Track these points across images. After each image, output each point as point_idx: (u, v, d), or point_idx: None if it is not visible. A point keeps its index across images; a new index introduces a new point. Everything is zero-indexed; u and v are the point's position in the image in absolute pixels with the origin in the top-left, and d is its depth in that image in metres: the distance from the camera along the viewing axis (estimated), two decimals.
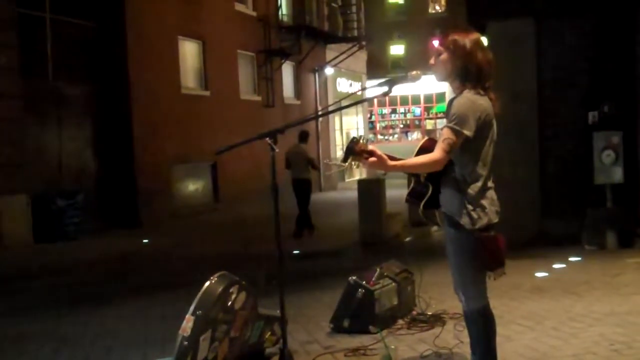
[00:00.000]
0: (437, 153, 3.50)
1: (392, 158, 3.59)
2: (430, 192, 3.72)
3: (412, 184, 3.85)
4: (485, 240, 3.55)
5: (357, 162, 3.54)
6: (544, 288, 7.01)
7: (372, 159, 3.51)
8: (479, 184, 3.58)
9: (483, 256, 3.57)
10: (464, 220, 3.56)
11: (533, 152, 9.81)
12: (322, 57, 26.60)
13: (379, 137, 36.86)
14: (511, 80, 9.20)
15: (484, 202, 3.59)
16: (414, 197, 3.83)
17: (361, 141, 3.52)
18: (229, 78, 20.51)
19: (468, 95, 3.57)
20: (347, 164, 3.54)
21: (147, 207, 16.13)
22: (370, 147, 3.54)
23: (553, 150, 9.84)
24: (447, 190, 3.65)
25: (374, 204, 11.51)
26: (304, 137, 13.10)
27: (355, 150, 3.50)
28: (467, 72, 3.59)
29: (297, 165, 12.76)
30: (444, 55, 3.64)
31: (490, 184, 3.64)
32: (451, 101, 3.65)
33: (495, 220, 3.62)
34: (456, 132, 3.48)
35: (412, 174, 3.85)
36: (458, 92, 3.63)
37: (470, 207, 3.56)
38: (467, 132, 3.48)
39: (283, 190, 4.52)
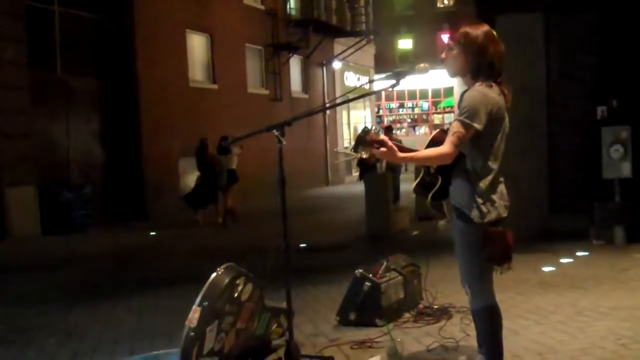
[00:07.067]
0: (446, 147, 3.47)
1: (402, 149, 3.58)
2: (439, 183, 3.71)
3: (421, 175, 3.84)
4: (493, 234, 3.53)
5: (367, 152, 3.52)
6: (551, 282, 7.00)
7: (383, 149, 3.50)
8: (490, 177, 3.55)
9: (491, 250, 3.55)
10: (474, 214, 3.54)
11: (541, 146, 9.78)
12: (330, 51, 26.57)
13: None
14: (519, 74, 9.12)
15: (494, 196, 3.57)
16: (422, 187, 3.81)
17: (372, 131, 3.50)
18: (236, 71, 20.52)
19: (480, 88, 3.53)
20: (357, 153, 3.53)
21: (154, 200, 16.17)
22: (381, 137, 3.53)
23: (561, 144, 9.80)
24: (457, 183, 3.63)
25: (381, 197, 11.50)
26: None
27: (366, 140, 3.49)
28: (478, 65, 3.55)
29: None
30: (455, 50, 3.59)
31: (500, 178, 3.62)
32: (463, 94, 3.62)
33: (505, 214, 3.59)
34: (466, 126, 3.46)
35: (422, 165, 3.84)
36: (470, 85, 3.60)
37: (480, 200, 3.54)
38: (478, 126, 3.46)
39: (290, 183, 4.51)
